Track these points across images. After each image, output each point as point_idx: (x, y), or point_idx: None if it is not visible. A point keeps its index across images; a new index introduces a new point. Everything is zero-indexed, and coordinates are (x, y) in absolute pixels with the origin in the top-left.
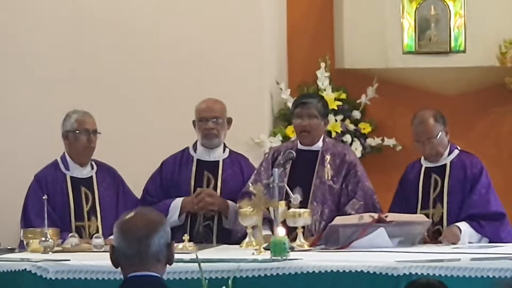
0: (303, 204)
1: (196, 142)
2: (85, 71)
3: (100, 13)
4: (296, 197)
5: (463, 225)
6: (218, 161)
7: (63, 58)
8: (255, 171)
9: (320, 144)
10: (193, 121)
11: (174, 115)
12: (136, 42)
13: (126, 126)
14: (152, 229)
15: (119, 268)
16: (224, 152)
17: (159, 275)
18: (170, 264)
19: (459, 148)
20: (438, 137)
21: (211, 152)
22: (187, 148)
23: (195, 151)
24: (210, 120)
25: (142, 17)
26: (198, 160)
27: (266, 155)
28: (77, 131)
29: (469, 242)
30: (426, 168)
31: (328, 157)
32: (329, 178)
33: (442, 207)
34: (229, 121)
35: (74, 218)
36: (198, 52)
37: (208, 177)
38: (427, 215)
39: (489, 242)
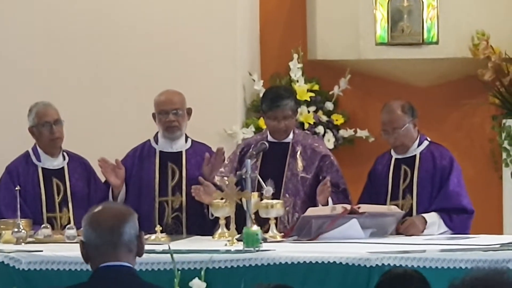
0: (275, 197)
1: (157, 134)
2: (61, 61)
3: (76, 4)
4: (268, 190)
5: (432, 217)
6: (181, 152)
7: (38, 49)
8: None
9: (290, 136)
10: (153, 114)
11: (147, 106)
12: (110, 34)
13: (97, 116)
14: (123, 218)
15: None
16: (186, 142)
17: (131, 265)
18: (140, 256)
19: (429, 140)
20: (403, 128)
21: (173, 143)
22: (148, 141)
23: (156, 143)
24: (170, 113)
25: (116, 8)
26: (160, 152)
27: (236, 148)
28: (39, 125)
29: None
30: (396, 159)
31: (299, 149)
32: (301, 169)
33: (412, 198)
34: (189, 111)
35: (46, 209)
36: (171, 42)
37: (172, 168)
38: (397, 206)
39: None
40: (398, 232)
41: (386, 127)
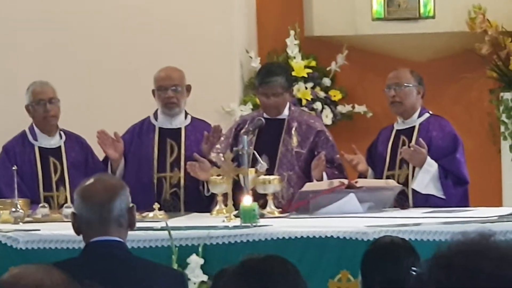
0: (269, 172)
1: (156, 111)
2: (59, 40)
3: None
4: (262, 165)
5: (433, 166)
6: (180, 128)
7: (34, 29)
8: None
9: (286, 112)
10: (153, 90)
11: (144, 84)
12: (108, 11)
13: (96, 94)
14: (113, 193)
15: (81, 236)
16: (186, 119)
17: (121, 240)
18: (132, 229)
19: (430, 112)
20: (407, 85)
21: (173, 120)
22: (148, 117)
23: (156, 120)
24: (169, 89)
25: None
26: (160, 128)
27: (232, 125)
28: (34, 103)
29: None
30: (396, 130)
31: (294, 125)
32: (296, 144)
33: (408, 168)
34: (188, 88)
35: (43, 188)
36: (168, 19)
37: (171, 145)
38: (393, 176)
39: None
40: (395, 206)
41: (390, 82)
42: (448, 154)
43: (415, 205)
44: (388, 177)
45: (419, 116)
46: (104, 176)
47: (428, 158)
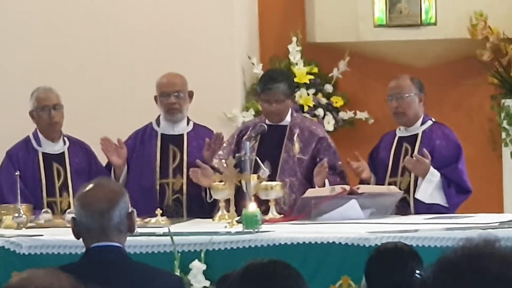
0: (271, 178)
1: (159, 117)
2: (60, 46)
3: None
4: (264, 171)
5: (436, 175)
6: (182, 135)
7: (35, 34)
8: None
9: (288, 119)
10: (155, 97)
11: (145, 90)
12: (109, 17)
13: (99, 100)
14: (113, 202)
15: (81, 239)
16: (188, 125)
17: (120, 245)
18: (131, 232)
19: (433, 120)
20: (408, 95)
21: (175, 126)
22: (150, 123)
23: (158, 126)
24: (172, 95)
25: None
26: (162, 134)
27: (234, 131)
28: (38, 109)
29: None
30: (399, 137)
31: (296, 131)
32: (298, 150)
33: (410, 175)
34: (191, 94)
35: (46, 194)
36: (170, 26)
37: (174, 151)
38: (395, 183)
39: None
40: (396, 213)
41: (392, 92)
42: (451, 163)
43: (417, 212)
44: (390, 184)
45: (422, 123)
46: (104, 181)
47: (431, 168)
